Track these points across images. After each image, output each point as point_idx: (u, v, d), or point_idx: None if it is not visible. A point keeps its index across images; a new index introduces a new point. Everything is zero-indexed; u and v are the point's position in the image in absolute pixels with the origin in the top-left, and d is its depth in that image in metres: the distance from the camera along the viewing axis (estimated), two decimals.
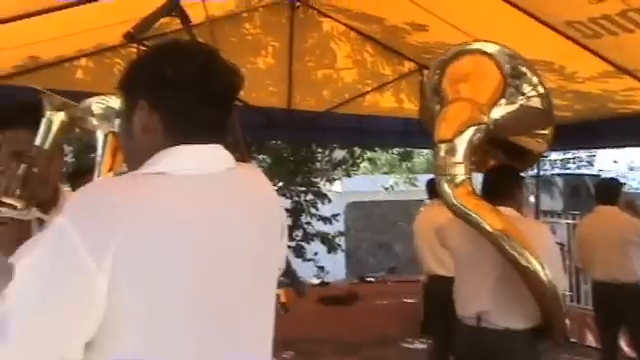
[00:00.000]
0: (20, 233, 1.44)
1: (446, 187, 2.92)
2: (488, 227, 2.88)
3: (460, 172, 2.91)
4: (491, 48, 3.08)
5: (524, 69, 3.08)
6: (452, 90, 3.09)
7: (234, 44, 5.40)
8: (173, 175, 1.20)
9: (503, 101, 3.03)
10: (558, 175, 10.01)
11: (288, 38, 5.66)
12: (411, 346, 6.74)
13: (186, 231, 1.17)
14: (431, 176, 7.80)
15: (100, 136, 1.74)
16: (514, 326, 3.08)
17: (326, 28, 5.84)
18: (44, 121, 1.64)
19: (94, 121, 1.74)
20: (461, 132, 2.91)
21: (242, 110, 5.61)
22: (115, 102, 1.73)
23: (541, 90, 3.12)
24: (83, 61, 5.16)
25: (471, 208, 2.89)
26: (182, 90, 1.24)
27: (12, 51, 4.30)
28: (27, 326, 1.09)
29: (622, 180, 6.50)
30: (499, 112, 3.04)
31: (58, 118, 1.65)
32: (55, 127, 1.65)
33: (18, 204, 1.56)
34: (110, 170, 1.68)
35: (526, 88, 3.09)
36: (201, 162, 1.24)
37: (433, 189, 6.01)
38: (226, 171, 1.28)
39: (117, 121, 1.69)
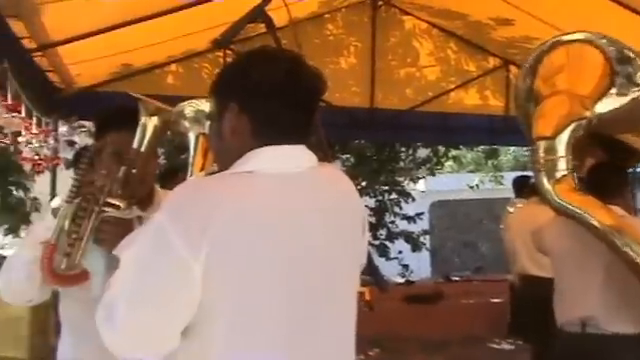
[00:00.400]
0: (124, 231, 1.55)
1: (547, 184, 2.75)
2: (597, 223, 2.65)
3: (562, 168, 2.71)
4: (592, 36, 2.88)
5: (633, 56, 2.84)
6: (548, 84, 2.94)
7: (317, 45, 5.47)
8: (260, 174, 1.28)
9: (613, 91, 2.82)
10: None
11: (370, 37, 5.69)
12: (498, 347, 6.60)
13: (272, 226, 1.25)
14: (518, 174, 7.65)
15: (192, 138, 1.84)
16: (624, 331, 2.86)
17: (408, 26, 5.82)
18: (140, 125, 1.75)
19: (186, 124, 1.84)
20: (561, 128, 2.76)
21: (325, 110, 5.67)
22: (205, 106, 1.82)
23: None
24: (173, 67, 5.39)
25: (576, 204, 2.72)
26: (268, 94, 1.31)
27: (108, 59, 4.55)
28: (131, 313, 1.22)
29: None
30: (606, 105, 2.83)
31: (152, 122, 1.76)
32: (150, 130, 1.76)
33: (121, 204, 1.69)
34: (201, 170, 1.78)
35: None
36: (286, 162, 1.32)
37: (520, 187, 5.88)
38: (309, 170, 1.35)
39: (207, 123, 1.78)
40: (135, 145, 1.75)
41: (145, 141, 1.76)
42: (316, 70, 1.36)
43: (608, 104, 2.75)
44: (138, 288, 1.22)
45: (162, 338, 1.24)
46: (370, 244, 8.89)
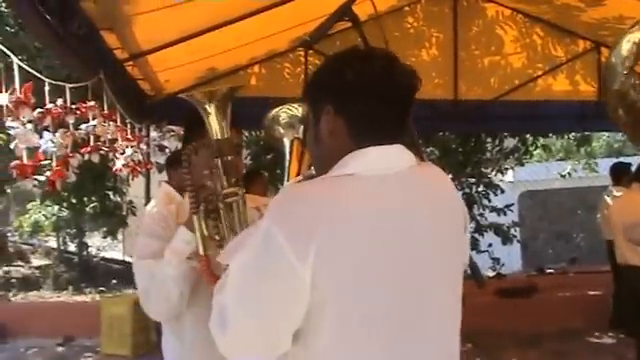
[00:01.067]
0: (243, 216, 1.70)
1: None
2: None
3: None
4: None
5: None
6: None
7: (398, 38, 5.43)
8: (362, 176, 1.27)
9: None
10: None
11: (452, 28, 5.60)
12: (598, 341, 6.34)
13: (377, 229, 1.24)
14: (612, 160, 7.31)
15: (287, 143, 1.85)
16: None
17: (491, 14, 5.68)
18: (205, 117, 1.76)
19: (281, 130, 1.86)
20: None
21: None
22: (298, 110, 1.84)
23: None
24: (256, 68, 5.49)
25: None
26: (364, 93, 1.30)
27: (193, 65, 4.69)
28: (242, 319, 1.26)
29: None
30: None
31: (212, 108, 1.76)
32: (216, 116, 1.76)
33: (237, 190, 1.77)
34: (297, 174, 1.79)
35: None
36: (387, 162, 1.31)
37: (619, 174, 5.62)
38: (409, 169, 1.34)
39: (301, 128, 1.82)
40: (214, 135, 1.77)
41: (219, 127, 1.77)
42: (410, 67, 1.35)
43: None
44: (249, 294, 1.25)
45: (273, 343, 1.26)
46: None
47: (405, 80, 1.33)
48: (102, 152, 3.75)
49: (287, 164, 1.83)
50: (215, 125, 1.76)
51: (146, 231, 1.99)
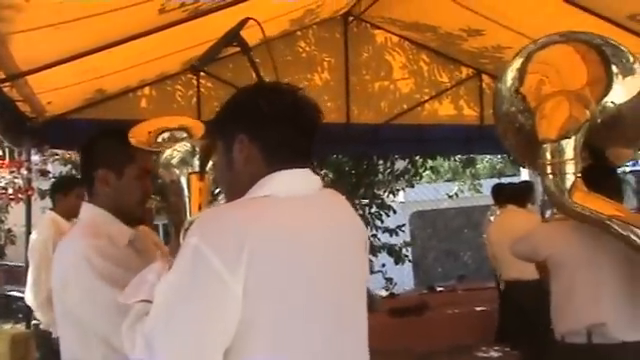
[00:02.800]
0: None
1: (554, 188, 2.67)
2: (616, 225, 2.46)
3: (570, 171, 2.61)
4: (583, 36, 2.77)
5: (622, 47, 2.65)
6: (540, 86, 2.82)
7: (290, 62, 5.48)
8: (278, 197, 1.36)
9: (617, 85, 2.60)
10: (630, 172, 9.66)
11: (343, 53, 5.71)
12: (486, 355, 6.59)
13: (296, 245, 1.33)
14: (496, 181, 7.70)
15: (184, 180, 1.82)
16: (634, 338, 2.73)
17: (380, 40, 5.85)
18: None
19: (176, 171, 1.83)
20: (568, 130, 2.65)
21: None
22: (187, 146, 1.81)
23: None
24: (146, 90, 5.34)
25: (594, 208, 2.61)
26: (279, 122, 1.41)
27: (80, 86, 4.49)
28: (174, 339, 1.23)
29: None
30: (615, 97, 2.62)
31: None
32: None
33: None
34: (199, 209, 1.78)
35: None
36: (298, 185, 1.42)
37: (497, 194, 5.93)
38: (318, 192, 1.46)
39: (195, 162, 1.82)
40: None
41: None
42: (313, 101, 1.47)
43: (616, 97, 2.60)
44: (180, 314, 1.24)
45: None
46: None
47: (311, 112, 1.46)
48: None
49: (186, 200, 1.80)
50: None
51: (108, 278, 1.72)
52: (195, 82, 5.41)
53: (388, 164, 8.86)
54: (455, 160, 10.71)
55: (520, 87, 2.80)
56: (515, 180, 7.79)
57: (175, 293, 1.26)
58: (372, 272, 8.51)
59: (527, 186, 6.08)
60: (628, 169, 12.96)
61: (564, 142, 2.63)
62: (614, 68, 2.67)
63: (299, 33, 5.59)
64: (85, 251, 1.71)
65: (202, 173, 1.81)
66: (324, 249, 1.37)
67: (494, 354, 6.55)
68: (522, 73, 2.79)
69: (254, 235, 1.26)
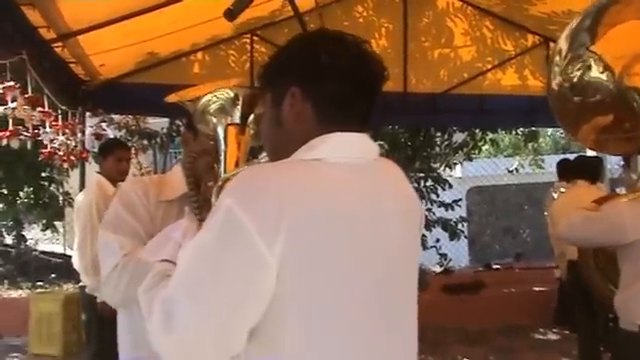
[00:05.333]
0: None
1: None
2: None
3: None
4: None
5: None
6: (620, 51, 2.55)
7: (346, 28, 5.22)
8: (329, 162, 1.20)
9: None
10: None
11: (402, 18, 5.48)
12: (543, 337, 6.36)
13: (345, 218, 1.16)
14: (559, 157, 7.35)
15: (220, 131, 1.66)
16: None
17: (441, 5, 5.60)
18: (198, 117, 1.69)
19: (213, 119, 1.65)
20: None
21: None
22: (229, 94, 1.64)
23: None
24: (199, 55, 5.25)
25: None
26: (338, 78, 1.23)
27: (131, 48, 4.44)
28: (196, 308, 1.09)
29: None
30: None
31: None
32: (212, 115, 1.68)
33: None
34: (236, 165, 1.61)
35: None
36: (354, 151, 1.25)
37: (564, 170, 5.62)
38: (375, 161, 1.29)
39: (236, 112, 1.64)
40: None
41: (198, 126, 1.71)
42: (379, 57, 1.29)
43: None
44: (205, 281, 1.10)
45: (227, 341, 1.11)
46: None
47: (376, 68, 1.28)
48: (22, 138, 3.46)
49: (223, 154, 1.63)
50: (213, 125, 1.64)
51: (126, 205, 1.76)
52: (249, 47, 5.30)
53: (446, 136, 8.59)
54: (517, 134, 10.28)
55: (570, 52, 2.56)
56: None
57: (202, 259, 1.11)
58: (426, 247, 8.32)
59: (598, 161, 5.72)
60: None
61: None
62: None
63: None
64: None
65: (243, 125, 1.62)
66: (373, 224, 1.20)
67: (552, 336, 6.30)
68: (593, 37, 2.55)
69: (298, 203, 1.10)
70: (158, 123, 7.82)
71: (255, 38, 5.26)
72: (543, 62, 5.77)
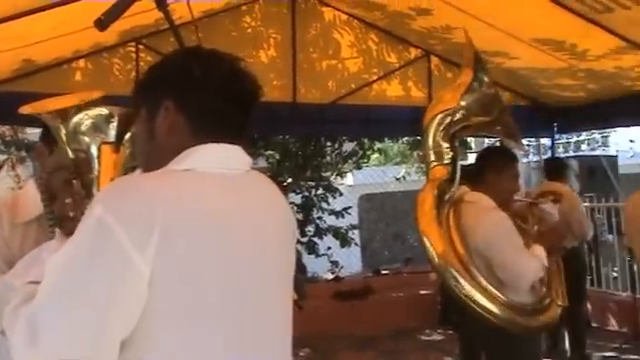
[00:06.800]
0: None
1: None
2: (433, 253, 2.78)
3: (431, 160, 2.87)
4: None
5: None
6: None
7: (234, 38, 5.30)
8: (200, 172, 1.22)
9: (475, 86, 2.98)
10: (573, 157, 9.81)
11: (290, 30, 5.54)
12: (428, 338, 6.61)
13: (215, 227, 1.18)
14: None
15: (94, 150, 1.61)
16: None
17: (328, 17, 5.71)
18: (58, 136, 1.60)
19: (86, 138, 1.60)
20: (431, 119, 2.89)
21: None
22: (99, 110, 1.60)
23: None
24: (81, 62, 5.07)
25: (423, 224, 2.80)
26: (210, 91, 1.27)
27: (6, 54, 4.20)
28: (64, 317, 1.06)
29: None
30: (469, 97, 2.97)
31: (62, 126, 1.59)
32: (65, 134, 1.59)
33: None
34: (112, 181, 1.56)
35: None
36: (225, 161, 1.28)
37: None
38: (247, 173, 1.32)
39: (111, 130, 1.61)
40: (70, 154, 1.58)
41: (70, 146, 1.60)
42: (253, 74, 1.34)
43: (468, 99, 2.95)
44: (74, 289, 1.06)
45: (98, 353, 1.07)
46: (298, 242, 8.79)
47: (250, 84, 1.33)
48: None
49: (96, 174, 1.59)
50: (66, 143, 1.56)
51: None
52: (134, 55, 5.17)
53: (336, 145, 8.77)
54: (403, 143, 10.67)
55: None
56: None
57: (70, 268, 1.08)
58: (318, 255, 8.45)
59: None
60: (571, 154, 13.23)
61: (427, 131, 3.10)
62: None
63: (245, 8, 5.40)
64: None
65: (118, 144, 1.60)
66: (244, 234, 1.23)
67: (437, 337, 6.57)
68: None
69: (169, 212, 1.11)
70: (37, 133, 7.46)
71: (140, 46, 5.14)
72: (425, 74, 6.05)
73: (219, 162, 1.26)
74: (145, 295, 1.07)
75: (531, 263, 2.78)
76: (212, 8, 5.00)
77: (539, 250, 2.86)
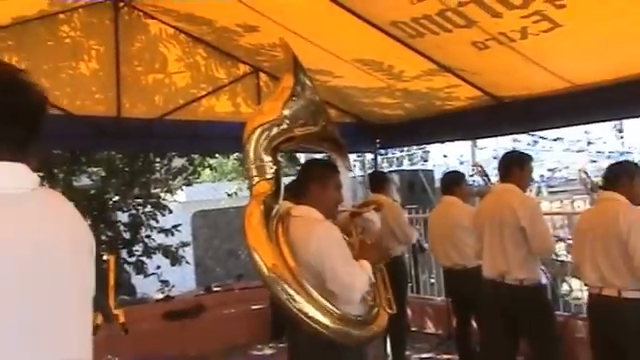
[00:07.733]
0: None
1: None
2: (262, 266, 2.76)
3: (253, 174, 2.88)
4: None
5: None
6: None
7: (50, 48, 4.99)
8: None
9: (295, 97, 2.97)
10: (395, 172, 10.42)
11: (113, 41, 5.33)
12: (260, 353, 6.63)
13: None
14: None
15: None
16: None
17: (154, 30, 5.57)
18: None
19: None
20: (251, 132, 2.92)
21: (66, 120, 5.18)
22: None
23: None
24: None
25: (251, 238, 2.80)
26: None
27: None
28: None
29: None
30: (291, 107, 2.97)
31: None
32: None
33: None
34: None
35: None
36: (5, 181, 1.22)
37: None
38: (32, 192, 1.26)
39: None
40: None
41: None
42: (37, 87, 1.29)
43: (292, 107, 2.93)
44: None
45: None
46: (126, 261, 8.43)
47: (33, 97, 1.28)
48: None
49: None
50: None
51: None
52: None
53: (165, 161, 8.56)
54: (235, 159, 10.67)
55: None
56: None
57: None
58: (147, 275, 8.16)
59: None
60: (393, 168, 14.03)
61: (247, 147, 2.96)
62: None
63: (62, 16, 5.10)
64: None
65: None
66: (28, 254, 1.19)
67: (268, 351, 6.61)
68: None
69: None
70: None
71: None
72: (254, 90, 6.11)
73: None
74: None
75: (362, 276, 2.86)
76: (24, 15, 4.67)
77: (366, 264, 2.95)
